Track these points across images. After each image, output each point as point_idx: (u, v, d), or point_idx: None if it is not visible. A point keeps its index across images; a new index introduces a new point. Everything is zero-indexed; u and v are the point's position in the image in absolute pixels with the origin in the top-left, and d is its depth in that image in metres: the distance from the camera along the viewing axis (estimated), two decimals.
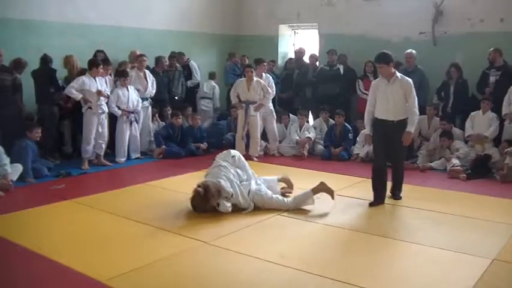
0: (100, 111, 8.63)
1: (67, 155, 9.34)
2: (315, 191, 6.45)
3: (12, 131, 8.07)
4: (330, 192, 6.53)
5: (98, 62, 8.64)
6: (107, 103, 8.85)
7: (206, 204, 6.03)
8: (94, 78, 8.53)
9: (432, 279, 4.38)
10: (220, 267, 4.62)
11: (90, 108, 8.54)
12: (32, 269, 4.65)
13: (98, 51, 9.70)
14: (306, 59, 11.86)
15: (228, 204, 6.12)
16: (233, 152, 6.87)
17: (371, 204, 6.50)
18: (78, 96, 8.43)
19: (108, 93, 8.79)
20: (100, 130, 8.75)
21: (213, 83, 11.98)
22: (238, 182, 6.32)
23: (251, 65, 10.02)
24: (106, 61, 9.24)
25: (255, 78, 9.49)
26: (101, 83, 8.63)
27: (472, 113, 8.96)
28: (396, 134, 6.51)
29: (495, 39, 9.52)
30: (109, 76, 9.20)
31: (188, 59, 11.50)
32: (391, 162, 6.73)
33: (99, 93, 8.49)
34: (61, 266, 4.60)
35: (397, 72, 6.55)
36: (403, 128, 6.49)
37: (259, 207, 6.31)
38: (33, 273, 4.57)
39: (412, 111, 6.46)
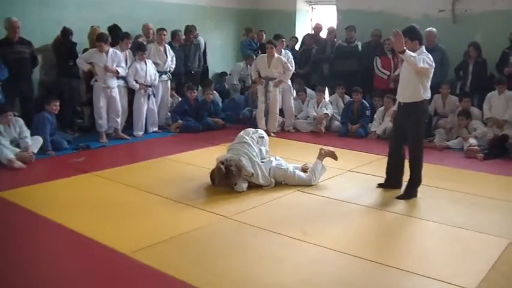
0: (105, 86, 8.61)
1: (86, 128, 9.41)
2: (320, 159, 6.57)
3: (32, 104, 8.15)
4: (332, 155, 6.65)
5: (103, 38, 8.58)
6: (121, 78, 8.89)
7: (225, 181, 6.08)
8: (106, 52, 8.53)
9: (452, 258, 4.42)
10: (243, 242, 4.68)
11: (96, 81, 8.59)
12: (57, 241, 4.76)
13: (111, 27, 9.67)
14: (323, 35, 11.80)
15: (245, 185, 6.16)
16: (262, 132, 6.93)
17: (379, 185, 6.37)
18: (85, 67, 8.53)
19: (121, 69, 8.76)
20: (112, 104, 8.79)
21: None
22: (259, 162, 6.35)
23: (272, 41, 9.98)
24: (123, 35, 9.26)
25: (276, 55, 9.46)
26: (113, 58, 8.62)
27: (489, 94, 8.90)
28: (404, 119, 5.99)
29: None
30: (129, 51, 9.19)
31: (197, 34, 11.34)
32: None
33: (105, 68, 8.51)
34: (85, 238, 4.69)
35: (421, 50, 5.80)
36: (410, 114, 5.89)
37: (281, 181, 6.37)
38: (57, 244, 4.70)
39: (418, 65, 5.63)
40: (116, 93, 8.82)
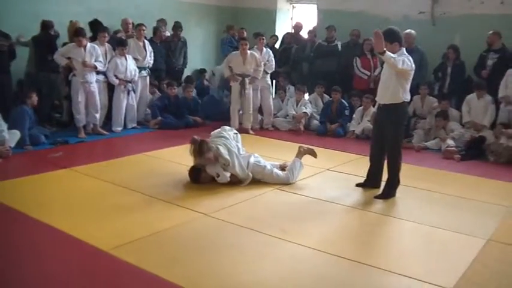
0: (83, 80, 8.53)
1: (64, 123, 9.31)
2: (298, 157, 6.58)
3: (9, 97, 8.05)
4: (311, 152, 6.68)
5: (82, 32, 8.51)
6: (100, 73, 8.84)
7: (200, 157, 6.12)
8: (83, 47, 8.45)
9: (430, 257, 4.48)
10: (223, 240, 4.68)
11: (74, 75, 8.52)
12: (34, 237, 4.69)
13: (91, 22, 9.58)
14: (303, 33, 11.84)
15: (228, 174, 6.21)
16: (234, 129, 6.95)
17: (358, 185, 6.40)
18: (63, 62, 8.47)
19: (99, 64, 8.69)
20: (91, 99, 8.72)
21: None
22: (237, 153, 6.37)
23: (246, 38, 9.98)
24: (99, 29, 9.20)
25: (249, 52, 9.46)
26: (92, 53, 8.54)
27: (468, 97, 8.99)
28: (383, 121, 5.99)
29: (494, 22, 9.51)
30: (109, 45, 9.13)
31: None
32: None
33: (84, 63, 8.43)
34: (63, 234, 4.64)
35: (402, 51, 5.79)
36: (389, 115, 5.90)
37: (258, 179, 6.40)
38: (35, 240, 4.62)
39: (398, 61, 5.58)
40: (94, 88, 8.75)
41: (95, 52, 8.62)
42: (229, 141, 6.45)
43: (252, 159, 6.44)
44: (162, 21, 10.97)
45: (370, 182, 6.34)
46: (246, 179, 6.32)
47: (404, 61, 5.65)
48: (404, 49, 5.89)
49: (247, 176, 6.32)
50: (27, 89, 8.16)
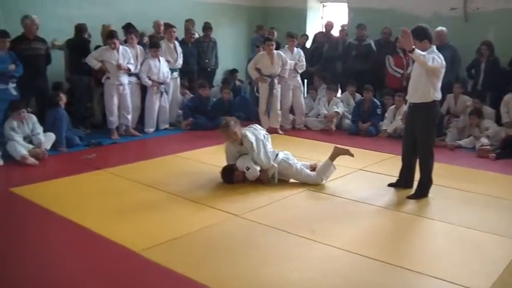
0: (118, 83, 8.67)
1: (97, 125, 9.45)
2: (332, 157, 6.51)
3: (46, 101, 8.21)
4: (347, 152, 6.59)
5: (115, 35, 8.63)
6: (132, 75, 8.94)
7: (228, 131, 6.28)
8: (117, 50, 8.58)
9: (463, 259, 4.41)
10: (253, 241, 4.69)
11: (108, 78, 8.63)
12: (67, 237, 4.79)
13: (125, 25, 9.67)
14: (335, 32, 11.75)
15: (258, 168, 6.26)
16: (264, 129, 7.01)
17: (390, 185, 6.35)
18: (96, 65, 8.56)
19: (131, 66, 8.80)
20: (123, 101, 8.84)
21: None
22: (264, 142, 6.42)
23: (272, 38, 9.97)
24: (128, 31, 9.27)
25: (275, 52, 9.42)
26: (124, 55, 8.66)
27: (506, 98, 8.74)
28: (414, 120, 5.93)
29: None
30: (140, 47, 9.24)
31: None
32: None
33: (118, 66, 8.55)
34: (95, 235, 4.73)
35: (432, 49, 5.70)
36: (420, 114, 5.82)
37: (286, 175, 6.42)
38: (68, 240, 4.72)
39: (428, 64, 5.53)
40: (127, 90, 8.86)
41: (127, 54, 8.75)
42: (258, 131, 6.52)
43: (281, 155, 6.47)
44: (189, 22, 11.00)
45: (402, 182, 6.27)
46: (269, 168, 6.34)
47: (435, 59, 5.58)
48: (434, 47, 5.80)
49: (271, 166, 6.34)
50: (57, 91, 8.28)
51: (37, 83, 8.24)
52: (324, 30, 12.24)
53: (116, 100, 8.71)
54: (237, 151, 6.48)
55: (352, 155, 6.64)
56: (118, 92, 8.72)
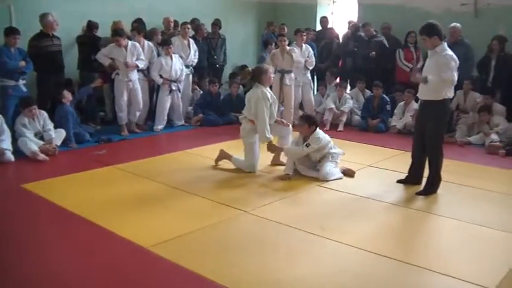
0: (127, 79, 8.68)
1: (108, 121, 9.50)
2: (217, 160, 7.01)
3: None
4: (226, 156, 6.96)
5: (120, 32, 8.63)
6: (140, 71, 8.95)
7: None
8: (125, 47, 8.57)
9: (472, 256, 4.41)
10: (263, 237, 4.71)
11: (117, 74, 8.66)
12: (78, 232, 4.82)
13: (135, 21, 9.72)
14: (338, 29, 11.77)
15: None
16: None
17: (398, 181, 6.36)
18: (105, 62, 8.58)
19: (140, 62, 8.78)
20: (134, 97, 8.85)
21: None
22: (272, 105, 6.68)
23: (284, 34, 9.95)
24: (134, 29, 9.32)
25: (288, 48, 9.42)
26: (133, 52, 8.65)
27: None
28: (424, 118, 5.92)
29: None
30: (149, 43, 9.26)
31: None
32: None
33: (125, 64, 8.54)
34: (105, 231, 4.77)
35: (442, 46, 5.76)
36: (430, 112, 5.80)
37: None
38: (78, 236, 4.75)
39: (444, 79, 5.60)
40: (137, 85, 8.89)
41: (136, 51, 8.73)
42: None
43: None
44: (196, 21, 10.98)
45: (411, 179, 6.27)
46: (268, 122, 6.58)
47: (449, 67, 5.62)
48: (445, 44, 5.81)
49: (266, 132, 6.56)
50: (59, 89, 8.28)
51: (56, 79, 8.31)
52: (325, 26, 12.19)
53: (125, 96, 8.73)
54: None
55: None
56: (127, 88, 8.74)
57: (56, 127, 7.63)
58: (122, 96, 8.71)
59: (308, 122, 6.55)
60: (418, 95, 6.14)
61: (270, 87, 7.04)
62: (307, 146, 6.45)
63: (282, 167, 6.71)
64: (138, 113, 9.03)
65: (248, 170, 6.71)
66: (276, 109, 6.79)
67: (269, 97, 6.61)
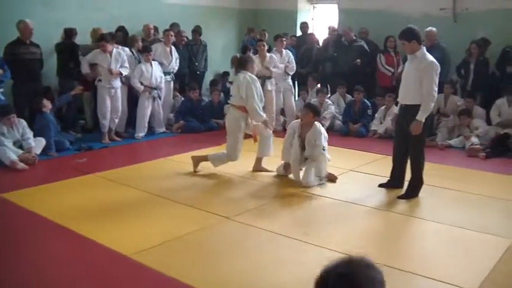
0: (109, 86, 8.60)
1: (88, 129, 9.42)
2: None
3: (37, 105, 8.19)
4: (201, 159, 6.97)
5: (106, 37, 8.57)
6: (120, 78, 8.87)
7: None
8: (109, 53, 8.51)
9: (454, 258, 4.44)
10: (245, 244, 4.71)
11: (100, 81, 8.59)
12: (58, 242, 4.78)
13: (118, 29, 9.68)
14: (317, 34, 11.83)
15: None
16: None
17: (380, 185, 6.36)
18: (85, 69, 8.54)
19: (124, 69, 8.70)
20: (114, 105, 8.77)
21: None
22: (261, 93, 6.78)
23: (263, 39, 9.97)
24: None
25: (268, 54, 9.40)
26: (117, 59, 8.59)
27: (498, 102, 8.77)
28: (404, 121, 5.93)
29: None
30: (127, 49, 9.18)
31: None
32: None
33: (109, 71, 8.48)
34: (86, 239, 4.72)
35: (422, 50, 5.82)
36: (411, 116, 5.74)
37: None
38: (59, 245, 4.71)
39: (425, 97, 5.68)
40: (119, 93, 8.82)
41: (121, 58, 8.67)
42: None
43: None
44: (175, 26, 10.92)
45: (393, 182, 6.29)
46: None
47: (428, 79, 5.68)
48: (424, 48, 5.88)
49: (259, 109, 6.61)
50: (37, 97, 8.17)
51: (32, 87, 8.20)
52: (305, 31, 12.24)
53: (108, 103, 8.66)
54: None
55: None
56: (109, 95, 8.68)
57: (35, 135, 7.54)
58: (105, 103, 8.64)
59: (313, 111, 6.55)
60: (398, 99, 6.18)
61: None
62: (324, 149, 6.34)
63: (265, 173, 6.71)
64: (116, 121, 8.95)
65: (229, 159, 6.71)
66: (261, 104, 6.78)
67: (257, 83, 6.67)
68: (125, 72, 8.74)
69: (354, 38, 10.71)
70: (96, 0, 9.99)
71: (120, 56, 8.70)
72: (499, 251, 4.52)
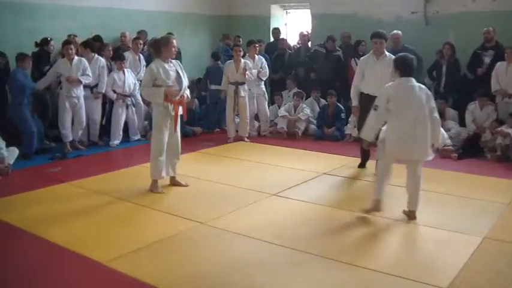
0: (67, 94, 8.44)
1: (61, 138, 9.31)
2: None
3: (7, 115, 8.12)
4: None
5: (66, 41, 8.49)
6: (87, 87, 8.77)
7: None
8: (70, 61, 8.38)
9: (424, 258, 4.52)
10: (218, 248, 4.73)
11: (61, 89, 8.50)
12: (33, 252, 4.73)
13: (94, 38, 9.60)
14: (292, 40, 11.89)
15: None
16: None
17: (359, 166, 7.35)
18: (42, 84, 8.49)
19: (85, 78, 8.49)
20: (77, 114, 8.63)
21: None
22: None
23: (239, 44, 10.00)
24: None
25: (242, 60, 9.43)
26: (78, 66, 8.41)
27: (470, 107, 8.86)
28: (369, 106, 5.96)
29: (487, 19, 9.54)
30: (102, 60, 9.08)
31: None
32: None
33: (67, 79, 8.33)
34: (61, 248, 4.70)
35: (385, 54, 6.84)
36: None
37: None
38: (33, 255, 4.66)
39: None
40: (82, 102, 8.65)
41: (82, 66, 8.48)
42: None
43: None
44: (142, 33, 10.77)
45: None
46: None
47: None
48: (386, 53, 6.70)
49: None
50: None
51: None
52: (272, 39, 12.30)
53: (68, 112, 8.50)
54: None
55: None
56: (71, 104, 8.50)
57: (7, 145, 7.46)
58: (64, 112, 8.48)
59: None
60: (365, 90, 6.91)
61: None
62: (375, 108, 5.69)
63: (180, 187, 6.62)
64: (80, 132, 8.80)
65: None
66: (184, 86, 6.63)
67: (160, 72, 6.24)
68: (85, 80, 8.52)
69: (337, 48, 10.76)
70: (68, 9, 9.91)
71: (82, 63, 8.49)
72: (469, 249, 4.61)
